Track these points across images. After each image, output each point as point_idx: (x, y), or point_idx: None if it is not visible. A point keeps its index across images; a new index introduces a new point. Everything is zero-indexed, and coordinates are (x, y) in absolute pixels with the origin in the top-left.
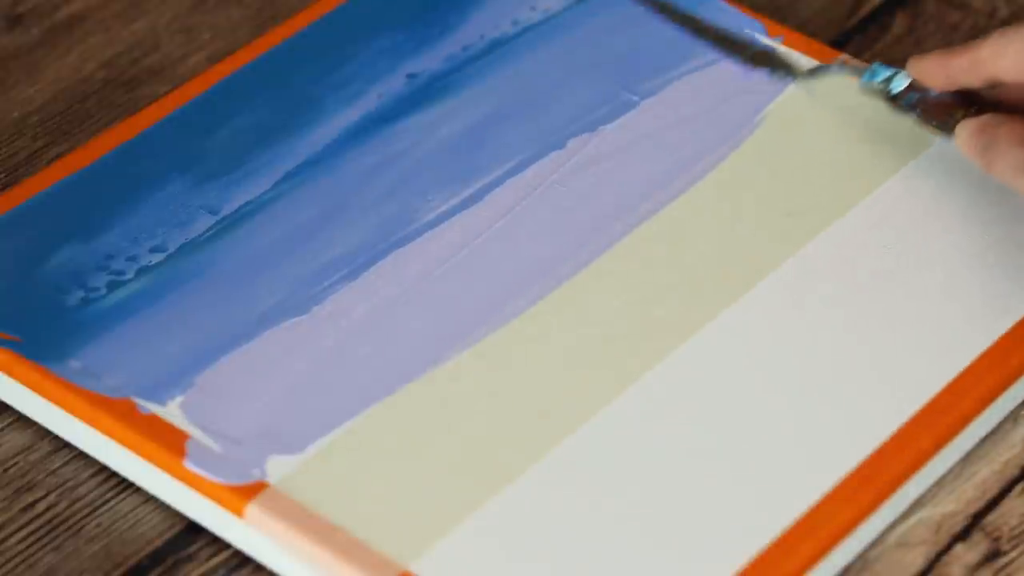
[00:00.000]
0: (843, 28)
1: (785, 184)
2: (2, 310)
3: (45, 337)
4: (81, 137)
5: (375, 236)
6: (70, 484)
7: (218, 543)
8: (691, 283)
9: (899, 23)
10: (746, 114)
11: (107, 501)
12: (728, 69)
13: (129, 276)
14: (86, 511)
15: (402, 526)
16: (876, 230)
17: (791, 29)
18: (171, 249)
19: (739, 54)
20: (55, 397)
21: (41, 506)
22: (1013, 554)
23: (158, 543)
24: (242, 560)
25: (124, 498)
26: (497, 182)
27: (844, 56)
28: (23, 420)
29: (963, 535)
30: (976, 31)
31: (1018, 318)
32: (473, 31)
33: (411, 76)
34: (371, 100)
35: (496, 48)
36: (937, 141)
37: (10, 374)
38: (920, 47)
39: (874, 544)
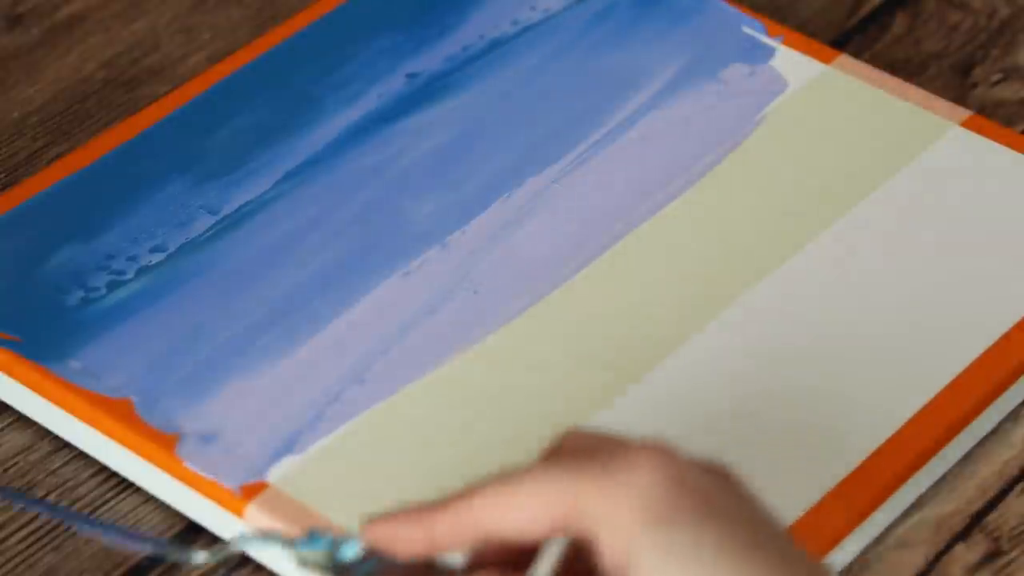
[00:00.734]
0: (843, 28)
1: (785, 184)
2: (2, 310)
3: (45, 337)
4: (81, 137)
5: (375, 235)
6: (70, 484)
7: (218, 543)
8: (691, 283)
9: (899, 23)
10: (746, 114)
11: (107, 501)
12: (728, 70)
13: (129, 276)
14: (86, 511)
15: None
16: (875, 230)
17: (791, 29)
18: (171, 249)
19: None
20: (55, 397)
21: None
22: (1013, 554)
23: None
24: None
25: (124, 498)
26: (497, 182)
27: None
28: (23, 420)
29: (963, 535)
30: (976, 31)
31: (1018, 318)
32: (473, 31)
33: (411, 76)
34: (371, 100)
35: (496, 48)
36: (937, 142)
37: (10, 374)
38: (920, 47)
39: (874, 544)
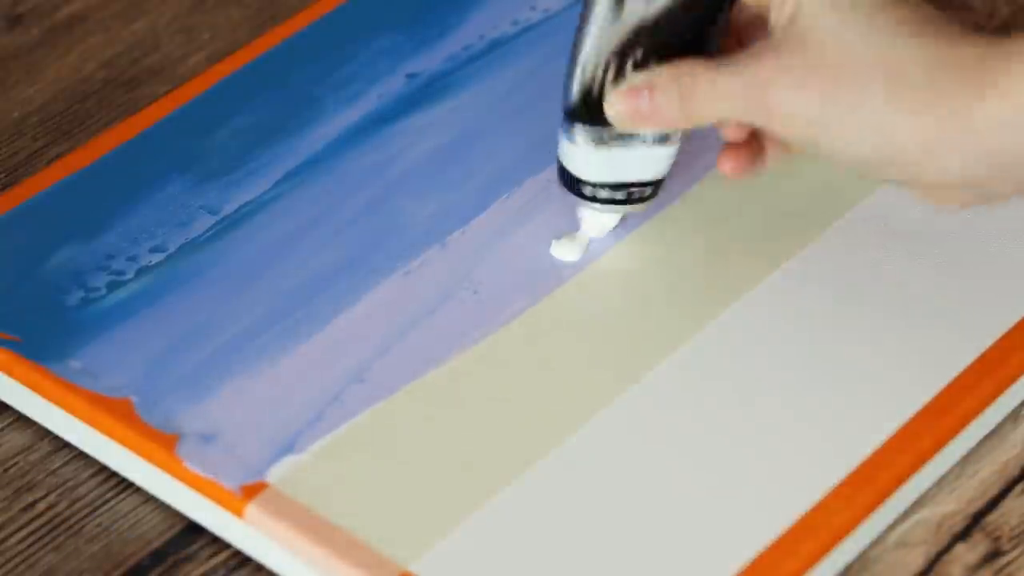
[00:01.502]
0: None
1: (785, 184)
2: (2, 310)
3: (45, 337)
4: (81, 137)
5: (375, 235)
6: (70, 484)
7: (218, 543)
8: (691, 283)
9: None
10: None
11: (107, 501)
12: None
13: (129, 276)
14: (86, 511)
15: (402, 526)
16: (875, 230)
17: None
18: (171, 249)
19: None
20: (55, 397)
21: (41, 506)
22: (1013, 554)
23: (158, 543)
24: (242, 560)
25: (124, 498)
26: (497, 182)
27: None
28: (23, 420)
29: (963, 535)
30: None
31: (1018, 318)
32: (473, 31)
33: (411, 76)
34: (371, 100)
35: (496, 48)
36: None
37: (10, 374)
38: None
39: (874, 544)
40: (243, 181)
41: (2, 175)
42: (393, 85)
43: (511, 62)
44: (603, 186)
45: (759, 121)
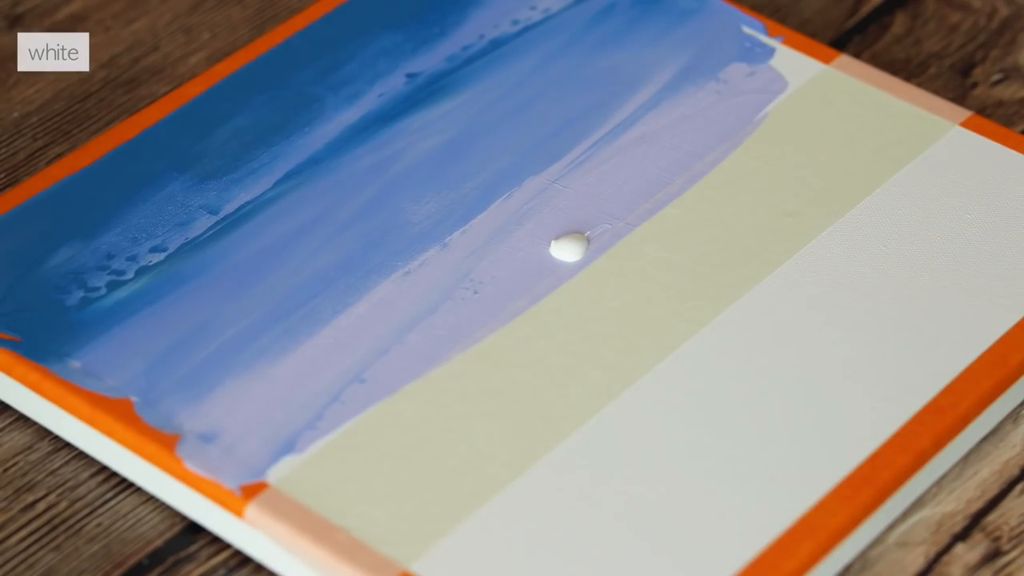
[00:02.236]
0: (843, 28)
1: (785, 184)
2: (2, 310)
3: (45, 337)
4: (81, 137)
5: (374, 236)
6: (70, 484)
7: (218, 543)
8: (691, 283)
9: (899, 23)
10: (746, 114)
11: (107, 501)
12: (728, 69)
13: (129, 276)
14: (86, 511)
15: (402, 526)
16: (876, 230)
17: (791, 29)
18: (171, 249)
19: None
20: (55, 397)
21: (41, 506)
22: (1013, 554)
23: (158, 543)
24: (242, 560)
25: (124, 498)
26: (497, 182)
27: None
28: (23, 420)
29: (963, 535)
30: (976, 31)
31: (1018, 318)
32: (473, 31)
33: (411, 76)
34: (371, 100)
35: (496, 48)
36: (937, 142)
37: (10, 374)
38: (920, 47)
39: (874, 544)
40: (243, 181)
41: (2, 175)
42: (393, 85)
43: (511, 62)
44: None
45: None
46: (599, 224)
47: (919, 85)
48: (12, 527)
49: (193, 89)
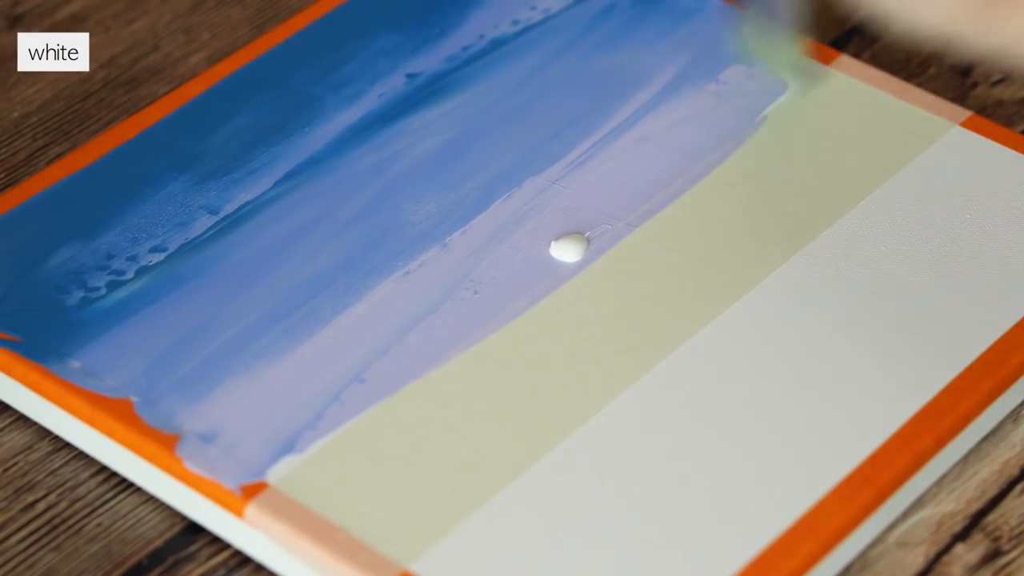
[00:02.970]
0: (843, 28)
1: (785, 184)
2: (2, 310)
3: (45, 337)
4: (81, 137)
5: (374, 236)
6: (70, 484)
7: (218, 543)
8: (691, 283)
9: None
10: (746, 114)
11: (107, 501)
12: (729, 70)
13: (129, 276)
14: (86, 511)
15: (402, 526)
16: (876, 230)
17: None
18: (171, 249)
19: None
20: (55, 397)
21: (41, 506)
22: (1013, 554)
23: (158, 543)
24: (242, 560)
25: (124, 498)
26: (497, 182)
27: None
28: (23, 420)
29: (963, 535)
30: None
31: (1018, 318)
32: (473, 31)
33: (411, 76)
34: (371, 100)
35: (496, 48)
36: (937, 142)
37: (10, 374)
38: (920, 47)
39: (874, 544)
40: (243, 181)
41: (2, 175)
42: (393, 85)
43: (511, 62)
44: None
45: None
46: (599, 225)
47: (919, 85)
48: (12, 527)
49: (193, 89)
